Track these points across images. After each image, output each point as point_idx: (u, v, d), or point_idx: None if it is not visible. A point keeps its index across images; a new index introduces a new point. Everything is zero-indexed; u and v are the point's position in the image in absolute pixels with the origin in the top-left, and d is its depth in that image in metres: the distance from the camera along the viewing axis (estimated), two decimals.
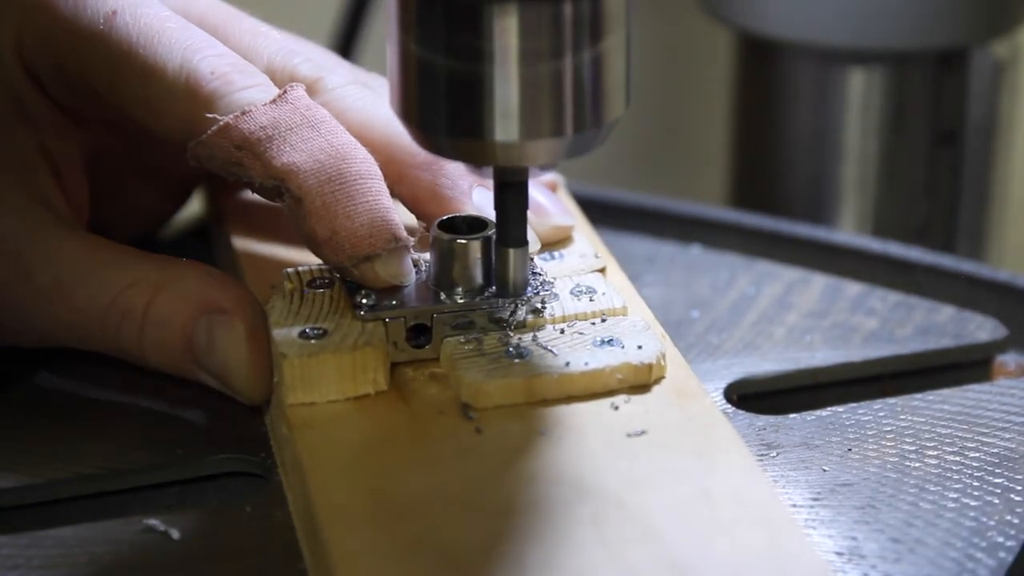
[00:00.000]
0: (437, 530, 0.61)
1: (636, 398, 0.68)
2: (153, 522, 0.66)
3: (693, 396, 0.69)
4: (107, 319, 0.72)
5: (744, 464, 0.65)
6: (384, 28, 0.66)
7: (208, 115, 0.70)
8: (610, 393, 0.68)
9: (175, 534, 0.66)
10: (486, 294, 0.70)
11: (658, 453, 0.65)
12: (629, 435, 0.66)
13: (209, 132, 0.70)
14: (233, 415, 0.73)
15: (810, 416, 0.75)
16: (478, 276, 0.70)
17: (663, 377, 0.70)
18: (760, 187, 1.46)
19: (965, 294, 0.86)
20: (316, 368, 0.67)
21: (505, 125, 0.64)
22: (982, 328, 0.82)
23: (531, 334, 0.70)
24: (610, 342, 0.69)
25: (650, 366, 0.69)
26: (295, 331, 0.69)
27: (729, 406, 0.76)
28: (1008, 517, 0.67)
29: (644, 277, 0.87)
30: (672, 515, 0.62)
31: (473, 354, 0.69)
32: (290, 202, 0.70)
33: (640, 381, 0.69)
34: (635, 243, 0.90)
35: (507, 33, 0.62)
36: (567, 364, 0.68)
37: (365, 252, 0.69)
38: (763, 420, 0.74)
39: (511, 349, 0.69)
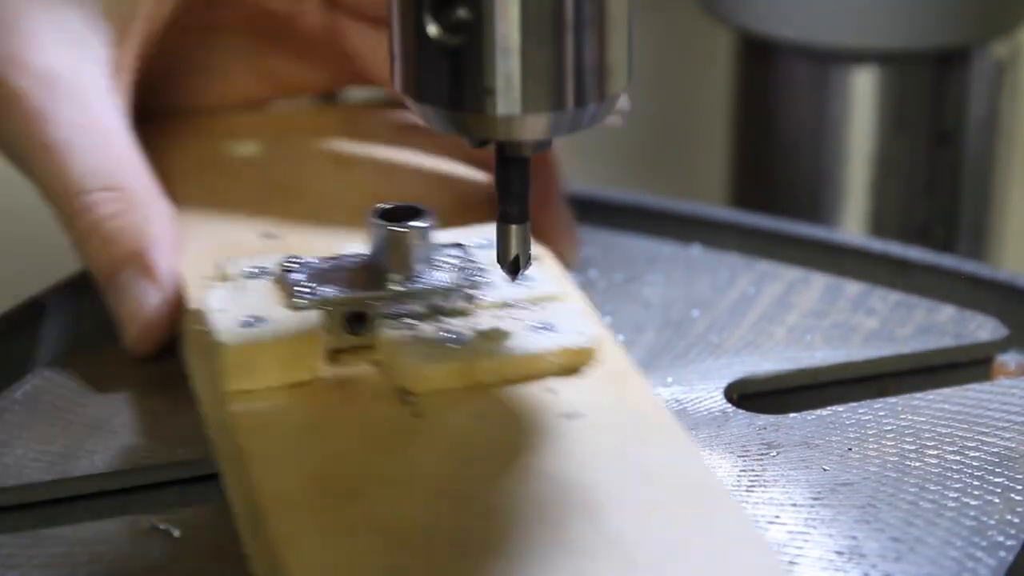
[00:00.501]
0: (380, 510, 0.61)
1: (573, 381, 0.69)
2: (154, 520, 0.66)
3: (629, 379, 0.69)
4: (73, 203, 0.75)
5: (679, 444, 0.66)
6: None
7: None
8: (547, 376, 0.69)
9: (175, 532, 0.66)
10: (422, 281, 0.71)
11: (595, 434, 0.66)
12: (567, 417, 0.67)
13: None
14: None
15: (810, 415, 0.75)
16: (415, 264, 0.71)
17: (599, 361, 0.70)
18: (760, 187, 1.46)
19: (965, 294, 0.86)
20: (254, 355, 0.68)
21: (507, 98, 0.64)
22: (983, 328, 0.82)
23: (468, 320, 0.71)
24: (547, 327, 0.70)
25: (586, 350, 0.70)
26: (233, 318, 0.69)
27: (729, 406, 0.76)
28: (1008, 516, 0.67)
29: (644, 277, 0.87)
30: (610, 493, 0.62)
31: (410, 340, 0.69)
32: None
33: (577, 365, 0.70)
34: (635, 243, 0.90)
35: (509, 5, 0.62)
36: (504, 349, 0.69)
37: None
38: (763, 419, 0.74)
39: (448, 334, 0.70)
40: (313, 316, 0.69)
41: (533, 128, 0.65)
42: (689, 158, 1.86)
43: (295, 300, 0.70)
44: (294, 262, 0.72)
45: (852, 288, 0.86)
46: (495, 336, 0.70)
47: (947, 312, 0.84)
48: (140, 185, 0.77)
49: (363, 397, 0.68)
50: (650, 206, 0.95)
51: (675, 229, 0.93)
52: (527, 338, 0.70)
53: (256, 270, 0.73)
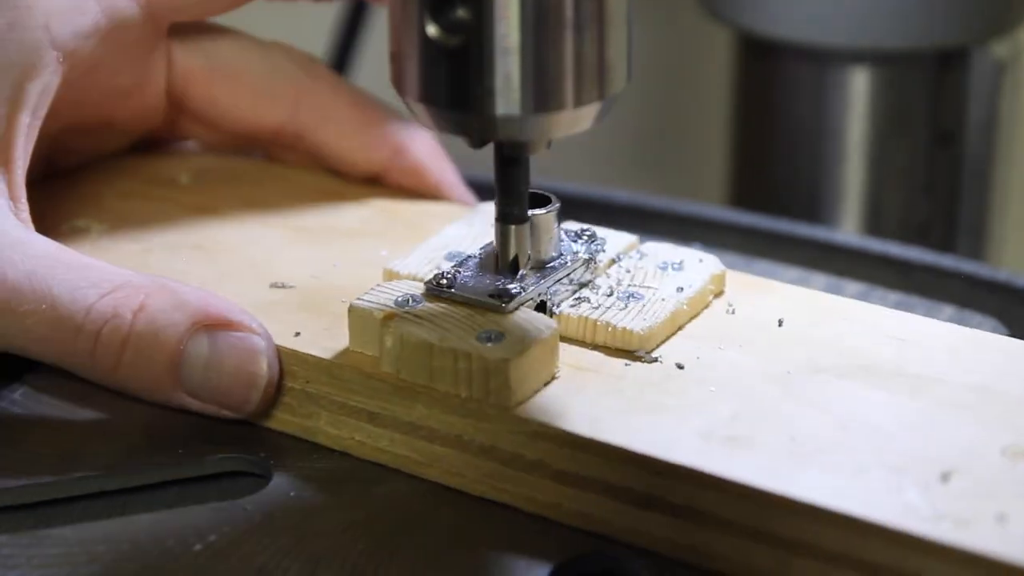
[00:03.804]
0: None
1: (732, 297, 0.74)
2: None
3: (764, 285, 0.76)
4: (87, 322, 0.69)
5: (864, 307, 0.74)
6: (384, 24, 0.66)
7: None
8: (708, 305, 0.74)
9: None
10: (564, 258, 0.73)
11: (812, 329, 0.72)
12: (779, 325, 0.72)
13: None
14: None
15: None
16: (554, 243, 0.73)
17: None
18: (760, 187, 1.46)
19: (965, 294, 0.86)
20: (528, 364, 0.68)
21: (506, 99, 0.64)
22: (982, 328, 0.82)
23: (608, 281, 0.73)
24: (674, 266, 0.74)
25: (722, 273, 0.75)
26: (475, 340, 0.68)
27: None
28: None
29: None
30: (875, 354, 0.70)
31: (598, 309, 0.71)
32: None
33: (721, 288, 0.75)
34: None
35: (509, 6, 0.62)
36: (679, 290, 0.73)
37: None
38: None
39: (618, 298, 0.72)
40: (536, 318, 0.69)
41: (533, 129, 0.65)
42: (689, 158, 1.86)
43: (502, 303, 0.69)
44: (443, 277, 0.71)
45: (852, 288, 0.86)
46: (654, 285, 0.73)
47: (947, 312, 0.83)
48: (122, 273, 0.70)
49: (611, 371, 0.70)
50: (650, 206, 0.95)
51: (675, 229, 0.93)
52: (675, 279, 0.73)
53: (406, 299, 0.70)
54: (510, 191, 0.70)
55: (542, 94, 0.64)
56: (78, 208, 0.84)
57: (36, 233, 0.72)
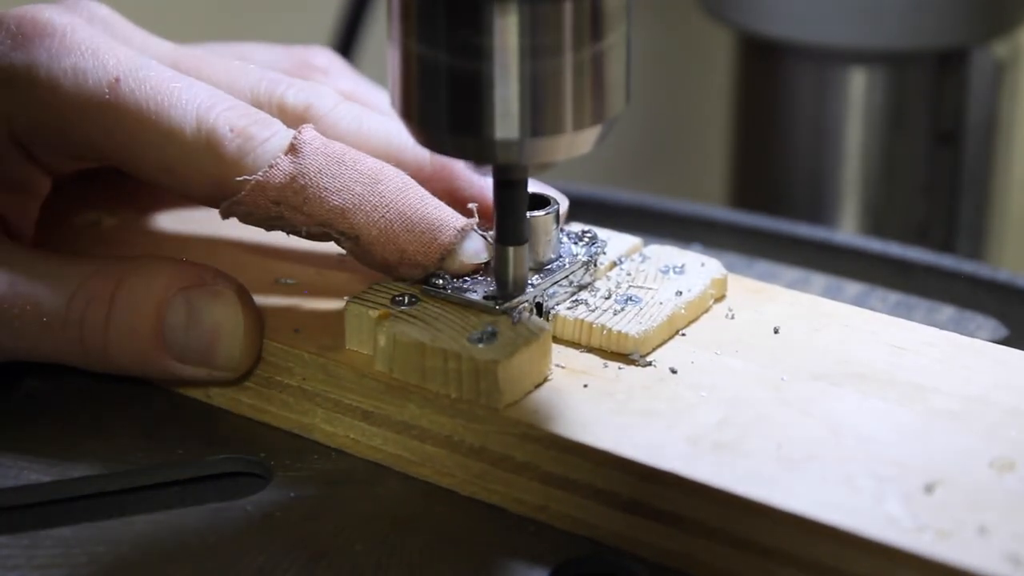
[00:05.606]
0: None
1: (733, 302, 0.74)
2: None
3: (766, 290, 0.76)
4: (69, 311, 0.71)
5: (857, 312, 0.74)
6: (384, 27, 0.66)
7: (237, 178, 0.70)
8: (710, 308, 0.74)
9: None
10: (564, 259, 0.73)
11: (813, 331, 0.73)
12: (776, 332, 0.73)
13: (243, 193, 0.70)
14: (232, 415, 0.73)
15: None
16: (554, 245, 0.73)
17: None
18: (760, 187, 1.47)
19: (965, 294, 0.86)
20: (518, 366, 0.68)
21: (505, 122, 0.64)
22: (982, 328, 0.82)
23: (607, 288, 0.73)
24: (676, 269, 0.74)
25: (724, 278, 0.75)
26: (466, 341, 0.68)
27: None
28: None
29: None
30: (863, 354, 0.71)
31: (593, 312, 0.71)
32: (346, 242, 0.71)
33: (722, 292, 0.75)
34: None
35: (508, 31, 0.62)
36: (678, 294, 0.72)
37: (439, 253, 0.71)
38: None
39: (616, 301, 0.72)
40: (533, 320, 0.69)
41: (531, 152, 0.65)
42: (689, 158, 1.87)
43: (497, 304, 0.70)
44: (439, 278, 0.71)
45: (852, 288, 0.86)
46: (654, 288, 0.73)
47: (947, 312, 0.83)
48: (97, 262, 0.72)
49: (604, 374, 0.69)
50: (650, 206, 0.95)
51: (675, 229, 0.93)
52: (675, 283, 0.73)
53: (402, 298, 0.71)
54: (508, 213, 0.70)
55: (541, 118, 0.64)
56: (90, 202, 0.84)
57: (14, 244, 0.74)
